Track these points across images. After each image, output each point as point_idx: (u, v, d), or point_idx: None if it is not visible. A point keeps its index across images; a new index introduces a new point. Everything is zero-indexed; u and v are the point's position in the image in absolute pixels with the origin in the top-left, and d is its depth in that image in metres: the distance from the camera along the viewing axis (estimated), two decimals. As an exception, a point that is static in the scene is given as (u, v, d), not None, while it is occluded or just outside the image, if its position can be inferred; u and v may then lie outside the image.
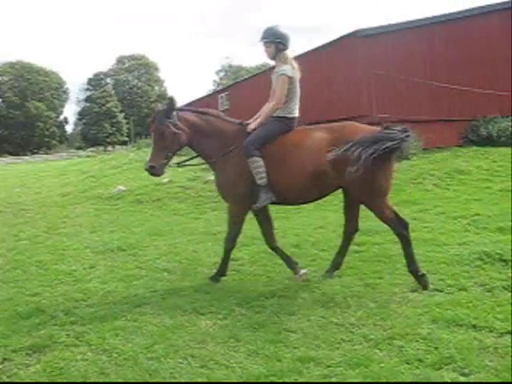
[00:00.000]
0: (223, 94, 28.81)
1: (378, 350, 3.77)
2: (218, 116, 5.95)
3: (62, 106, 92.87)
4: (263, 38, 5.72)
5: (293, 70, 5.70)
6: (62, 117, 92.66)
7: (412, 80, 16.11)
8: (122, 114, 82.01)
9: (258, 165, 5.41)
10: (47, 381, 3.64)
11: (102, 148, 69.79)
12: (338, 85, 17.45)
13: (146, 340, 4.21)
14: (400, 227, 5.21)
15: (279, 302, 4.89)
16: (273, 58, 5.82)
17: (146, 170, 5.59)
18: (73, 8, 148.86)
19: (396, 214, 5.26)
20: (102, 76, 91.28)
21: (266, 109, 5.76)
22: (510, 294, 4.71)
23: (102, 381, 3.59)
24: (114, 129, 78.48)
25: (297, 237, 7.62)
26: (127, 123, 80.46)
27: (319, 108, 17.60)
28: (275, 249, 5.90)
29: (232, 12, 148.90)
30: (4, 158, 59.23)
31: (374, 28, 16.27)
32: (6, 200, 15.04)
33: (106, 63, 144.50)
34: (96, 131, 78.16)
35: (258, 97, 23.59)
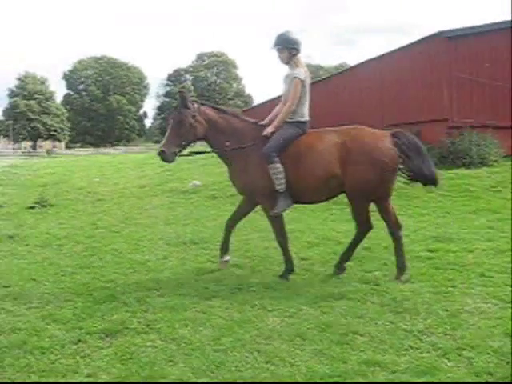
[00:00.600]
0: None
1: (446, 360, 3.69)
2: (235, 115, 6.21)
3: (142, 101, 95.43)
4: (276, 44, 5.93)
5: (305, 74, 5.92)
6: (141, 111, 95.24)
7: (497, 85, 15.57)
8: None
9: (278, 171, 5.64)
10: (119, 364, 3.77)
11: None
12: (415, 87, 17.10)
13: (214, 332, 4.28)
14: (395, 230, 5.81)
15: (347, 304, 4.86)
16: (286, 63, 6.01)
17: (157, 153, 5.86)
18: (156, 5, 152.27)
19: (395, 217, 5.82)
20: (181, 72, 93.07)
21: (281, 111, 5.94)
22: None
23: (170, 367, 3.68)
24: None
25: (368, 240, 7.50)
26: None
27: (394, 110, 17.36)
28: (228, 231, 6.30)
29: (313, 11, 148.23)
30: (87, 149, 61.47)
31: (461, 29, 15.80)
32: (85, 189, 15.62)
33: (186, 60, 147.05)
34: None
35: (336, 97, 23.59)
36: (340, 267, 5.98)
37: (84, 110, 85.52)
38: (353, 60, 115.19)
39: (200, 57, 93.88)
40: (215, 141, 6.02)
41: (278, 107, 6.16)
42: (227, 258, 6.30)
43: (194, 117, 5.78)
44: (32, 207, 12.17)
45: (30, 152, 62.86)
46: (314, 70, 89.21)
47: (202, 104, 6.05)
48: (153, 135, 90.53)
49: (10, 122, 73.98)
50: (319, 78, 31.44)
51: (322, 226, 6.05)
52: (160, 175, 17.12)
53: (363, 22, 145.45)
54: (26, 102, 74.22)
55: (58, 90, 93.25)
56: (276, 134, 5.83)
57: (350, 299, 5.00)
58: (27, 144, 79.02)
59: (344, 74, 25.52)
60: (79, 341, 4.19)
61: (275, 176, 5.65)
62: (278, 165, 5.64)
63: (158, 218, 9.91)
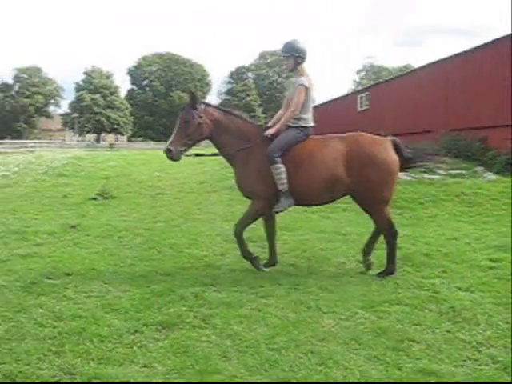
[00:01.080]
0: (363, 95, 28.52)
1: (505, 374, 3.58)
2: (240, 116, 6.44)
3: (204, 98, 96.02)
4: (283, 51, 6.23)
5: (309, 82, 6.16)
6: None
7: None
8: (261, 109, 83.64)
9: (280, 171, 5.86)
10: (173, 357, 3.83)
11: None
12: (482, 91, 16.67)
13: (269, 331, 4.30)
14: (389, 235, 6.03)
15: (404, 310, 4.78)
16: (291, 70, 6.31)
17: (164, 151, 6.05)
18: (221, 4, 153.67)
19: (390, 223, 6.02)
20: (243, 70, 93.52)
21: (284, 115, 6.19)
22: None
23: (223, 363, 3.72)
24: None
25: (427, 245, 7.40)
26: (265, 117, 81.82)
27: (458, 114, 16.98)
28: (272, 244, 6.45)
29: (379, 10, 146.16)
30: (148, 143, 62.56)
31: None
32: (146, 183, 15.90)
33: (248, 58, 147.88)
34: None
35: (400, 99, 23.22)
36: (365, 263, 6.22)
37: (147, 105, 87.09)
38: (418, 61, 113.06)
39: (263, 55, 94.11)
40: (220, 140, 6.27)
41: (280, 112, 6.46)
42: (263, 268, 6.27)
43: (200, 117, 6.03)
44: (94, 198, 12.50)
45: (93, 144, 64.62)
46: (377, 70, 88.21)
47: (208, 105, 6.35)
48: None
49: (76, 115, 76.15)
50: (382, 80, 31.06)
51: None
52: (220, 172, 17.22)
53: (431, 22, 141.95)
54: (91, 95, 76.13)
55: (123, 85, 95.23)
56: (279, 136, 6.06)
57: (406, 305, 4.92)
58: (91, 137, 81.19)
59: (408, 75, 25.12)
60: (136, 331, 4.29)
61: (278, 176, 5.88)
62: (281, 165, 5.87)
63: (216, 214, 10.01)
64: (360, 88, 47.11)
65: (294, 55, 6.15)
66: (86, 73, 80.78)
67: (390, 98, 23.95)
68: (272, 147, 5.94)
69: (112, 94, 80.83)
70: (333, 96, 36.46)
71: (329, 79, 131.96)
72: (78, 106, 76.66)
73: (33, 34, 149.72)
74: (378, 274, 5.96)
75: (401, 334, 4.23)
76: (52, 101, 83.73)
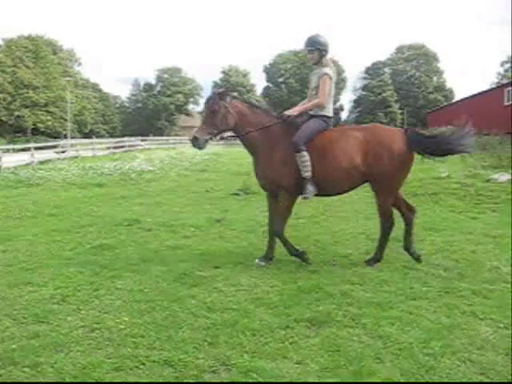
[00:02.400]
0: (511, 88, 26.89)
1: None
2: (265, 111, 6.65)
3: (339, 94, 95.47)
4: (307, 46, 6.40)
5: (333, 72, 6.43)
6: (337, 104, 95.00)
7: None
8: (397, 104, 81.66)
9: (305, 159, 6.06)
10: (326, 355, 3.81)
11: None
12: None
13: (422, 334, 4.16)
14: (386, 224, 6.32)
15: None
16: (315, 63, 6.48)
17: (189, 139, 6.29)
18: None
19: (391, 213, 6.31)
20: (380, 65, 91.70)
21: (310, 102, 6.42)
22: None
23: (376, 365, 3.64)
24: (388, 118, 78.58)
25: None
26: (401, 113, 79.93)
27: None
28: (272, 235, 6.55)
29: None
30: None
31: None
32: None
33: (384, 52, 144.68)
34: (370, 120, 78.95)
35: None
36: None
37: (282, 102, 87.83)
38: None
39: (399, 49, 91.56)
40: (243, 132, 6.42)
41: (303, 102, 6.71)
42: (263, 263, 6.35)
43: (226, 108, 6.21)
44: (236, 194, 12.83)
45: (229, 141, 66.32)
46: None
47: (235, 98, 6.53)
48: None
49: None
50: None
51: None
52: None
53: None
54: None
55: (259, 83, 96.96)
56: (304, 125, 6.26)
57: None
58: (227, 133, 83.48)
59: None
60: (287, 327, 4.33)
61: (303, 164, 6.07)
62: (305, 153, 6.07)
63: (357, 211, 9.88)
64: (506, 81, 44.45)
65: (318, 49, 6.35)
66: (223, 71, 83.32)
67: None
68: (298, 136, 6.13)
69: (249, 91, 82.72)
70: (474, 90, 34.76)
71: (470, 72, 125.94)
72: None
73: (173, 36, 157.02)
74: (366, 262, 6.28)
75: None
76: (191, 99, 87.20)
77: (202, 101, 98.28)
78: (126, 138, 42.70)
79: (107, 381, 3.46)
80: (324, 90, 6.27)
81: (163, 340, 4.07)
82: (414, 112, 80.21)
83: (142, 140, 45.28)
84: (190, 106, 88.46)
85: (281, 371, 3.54)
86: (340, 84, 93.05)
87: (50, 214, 10.42)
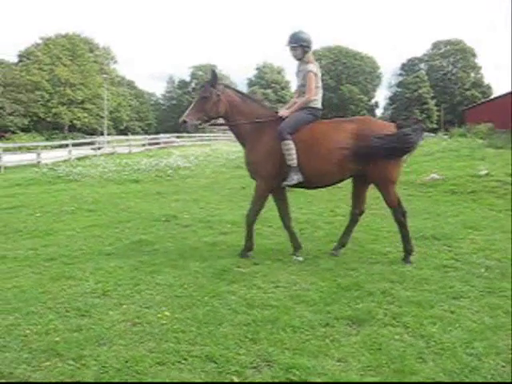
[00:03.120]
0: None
1: None
2: (256, 101, 6.90)
3: (374, 90, 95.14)
4: (290, 42, 6.49)
5: (316, 68, 6.52)
6: (373, 101, 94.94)
7: None
8: (434, 101, 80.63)
9: (289, 147, 6.15)
10: (367, 354, 3.79)
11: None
12: None
13: (465, 334, 4.10)
14: (399, 214, 6.35)
15: None
16: (299, 60, 6.59)
17: (179, 122, 6.37)
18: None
19: (399, 202, 6.39)
20: (415, 61, 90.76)
21: (300, 101, 6.48)
22: None
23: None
24: (423, 115, 77.67)
25: None
26: (438, 110, 78.87)
27: None
28: (288, 228, 6.77)
29: None
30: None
31: None
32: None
33: (421, 48, 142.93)
34: (406, 117, 78.19)
35: None
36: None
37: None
38: None
39: (436, 45, 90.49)
40: (233, 121, 6.55)
41: (293, 99, 6.80)
42: (299, 258, 6.42)
43: (218, 95, 6.35)
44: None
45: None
46: None
47: (227, 86, 6.70)
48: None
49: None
50: None
51: None
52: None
53: None
54: (263, 90, 78.48)
55: (293, 80, 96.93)
56: (290, 116, 6.37)
57: None
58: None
59: None
60: (327, 324, 4.31)
61: (287, 152, 6.16)
62: (290, 141, 6.15)
63: (394, 209, 9.76)
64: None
65: (302, 45, 6.45)
66: (257, 68, 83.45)
67: None
68: (282, 125, 6.24)
69: (283, 88, 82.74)
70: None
71: (509, 68, 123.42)
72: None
73: (208, 32, 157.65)
74: (404, 260, 6.22)
75: None
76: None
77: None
78: (161, 135, 43.11)
79: (150, 375, 3.50)
80: (310, 87, 6.39)
81: (204, 335, 4.10)
82: (451, 109, 79.13)
83: (177, 137, 45.64)
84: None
85: (322, 368, 3.53)
86: (375, 81, 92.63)
87: (89, 210, 10.58)
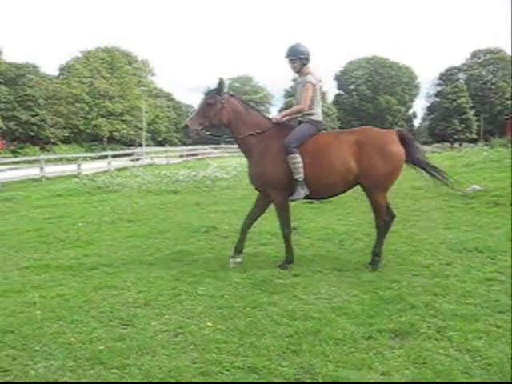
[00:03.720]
0: None
1: None
2: (259, 112, 6.91)
3: (412, 101, 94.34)
4: (289, 55, 6.57)
5: (316, 79, 6.57)
6: (410, 111, 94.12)
7: None
8: (473, 111, 79.46)
9: (296, 161, 6.20)
10: (412, 367, 3.73)
11: (447, 144, 68.83)
12: None
13: (512, 349, 4.00)
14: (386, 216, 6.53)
15: None
16: (297, 72, 6.69)
17: (181, 126, 6.37)
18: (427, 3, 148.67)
19: (388, 207, 6.62)
20: (454, 71, 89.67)
21: (292, 108, 6.66)
22: None
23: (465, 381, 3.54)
24: (462, 125, 76.59)
25: None
26: (477, 120, 77.66)
27: None
28: (245, 231, 6.81)
29: None
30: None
31: None
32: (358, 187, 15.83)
33: (459, 58, 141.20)
34: (444, 127, 77.41)
35: None
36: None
37: (353, 109, 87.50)
38: None
39: (475, 54, 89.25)
40: (236, 130, 6.60)
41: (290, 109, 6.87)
42: (239, 259, 6.67)
43: (222, 103, 6.40)
44: (310, 202, 12.76)
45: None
46: None
47: (232, 96, 6.67)
48: (421, 136, 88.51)
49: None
50: None
51: None
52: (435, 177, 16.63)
53: None
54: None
55: (330, 90, 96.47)
56: (294, 130, 6.44)
57: None
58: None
59: None
60: (370, 337, 4.27)
61: (294, 166, 6.20)
62: (297, 155, 6.20)
63: (436, 221, 9.62)
64: None
65: (300, 58, 6.53)
66: (294, 79, 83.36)
67: None
68: (288, 139, 6.27)
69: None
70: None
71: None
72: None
73: (245, 45, 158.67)
74: (371, 264, 6.44)
75: None
76: (262, 108, 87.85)
77: (273, 109, 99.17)
78: (198, 146, 43.43)
79: (194, 385, 3.52)
80: (306, 96, 6.44)
81: (246, 346, 4.10)
82: (491, 119, 77.87)
83: (215, 148, 45.92)
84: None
85: (367, 382, 3.49)
86: (413, 91, 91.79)
87: (129, 220, 10.72)
